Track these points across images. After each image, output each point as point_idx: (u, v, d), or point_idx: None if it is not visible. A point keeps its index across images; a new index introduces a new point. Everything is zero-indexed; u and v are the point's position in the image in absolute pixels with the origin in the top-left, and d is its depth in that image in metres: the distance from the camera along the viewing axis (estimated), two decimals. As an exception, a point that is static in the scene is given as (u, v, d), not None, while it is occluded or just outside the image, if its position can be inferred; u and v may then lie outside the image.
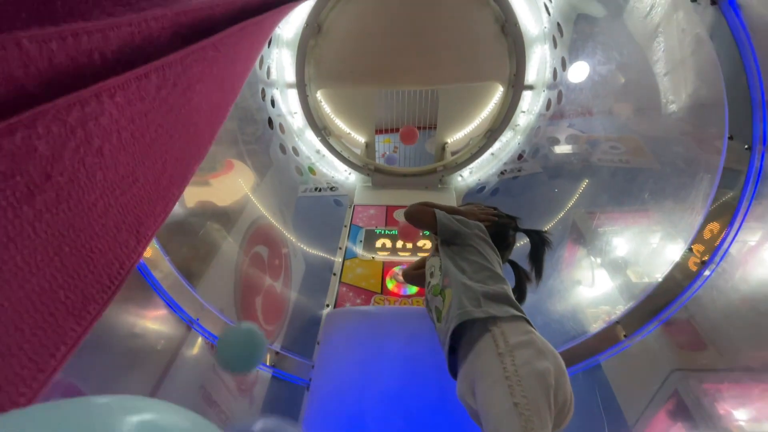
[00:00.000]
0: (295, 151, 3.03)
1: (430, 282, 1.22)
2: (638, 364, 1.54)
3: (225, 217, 2.14)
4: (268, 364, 1.86)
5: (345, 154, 3.21)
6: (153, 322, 1.45)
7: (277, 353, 1.91)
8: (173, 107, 0.37)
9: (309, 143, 3.17)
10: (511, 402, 0.73)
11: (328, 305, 2.00)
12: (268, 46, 2.61)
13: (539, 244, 1.28)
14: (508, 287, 1.07)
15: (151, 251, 1.44)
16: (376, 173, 3.16)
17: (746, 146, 1.10)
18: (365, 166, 3.19)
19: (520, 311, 0.97)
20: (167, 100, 0.36)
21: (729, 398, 1.32)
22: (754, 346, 1.27)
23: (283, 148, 2.90)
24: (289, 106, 3.02)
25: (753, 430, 1.26)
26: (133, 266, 0.38)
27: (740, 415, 1.29)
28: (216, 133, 0.57)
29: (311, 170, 3.12)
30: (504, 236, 1.32)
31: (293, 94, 2.98)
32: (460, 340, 0.96)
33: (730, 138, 1.17)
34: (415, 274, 1.46)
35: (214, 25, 0.47)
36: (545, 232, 1.33)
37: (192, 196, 1.90)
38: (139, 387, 1.34)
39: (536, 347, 0.85)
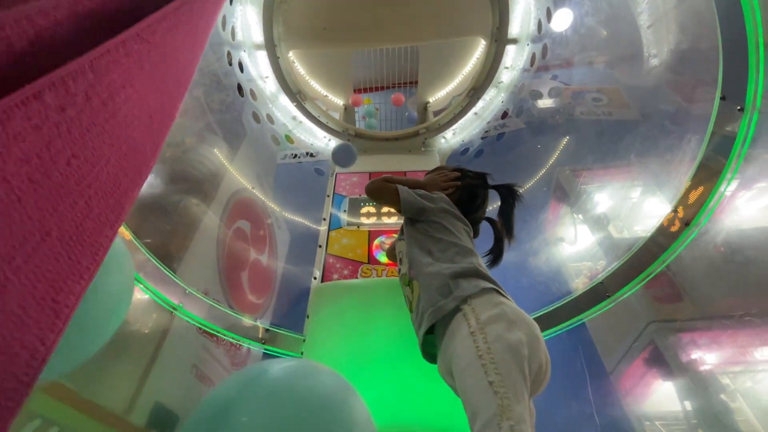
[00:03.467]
0: (270, 118, 2.88)
1: (400, 269, 1.20)
2: (619, 320, 1.60)
3: (201, 192, 2.05)
4: (259, 338, 1.87)
5: (323, 119, 3.07)
6: (135, 308, 1.41)
7: (267, 330, 1.92)
8: (90, 127, 0.30)
9: (284, 109, 3.01)
10: (486, 381, 0.74)
11: (315, 278, 1.99)
12: (231, 3, 2.38)
13: (508, 198, 1.27)
14: (477, 258, 1.06)
15: (127, 240, 1.36)
16: (356, 138, 3.05)
17: (738, 107, 1.08)
18: (345, 131, 3.07)
19: (491, 281, 0.96)
20: (79, 121, 0.28)
21: (701, 345, 1.40)
22: (726, 296, 1.32)
23: (256, 117, 2.74)
24: (259, 69, 2.82)
25: (720, 372, 1.34)
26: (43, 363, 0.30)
27: (710, 359, 1.38)
28: (162, 141, 0.49)
29: (288, 138, 2.99)
30: (473, 197, 1.29)
31: (263, 57, 2.78)
32: (435, 322, 0.96)
33: (723, 98, 1.14)
34: (395, 255, 1.44)
35: (137, 5, 0.37)
36: (514, 185, 1.30)
37: (164, 172, 1.79)
38: (130, 371, 1.33)
39: (507, 318, 0.85)
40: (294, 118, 3.04)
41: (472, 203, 1.27)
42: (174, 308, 1.51)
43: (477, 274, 0.97)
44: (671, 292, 1.49)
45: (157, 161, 1.85)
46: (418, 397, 1.14)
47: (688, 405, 1.39)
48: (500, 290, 0.95)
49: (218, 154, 2.27)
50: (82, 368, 1.15)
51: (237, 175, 2.40)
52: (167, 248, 1.66)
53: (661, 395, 1.48)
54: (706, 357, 1.38)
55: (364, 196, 2.45)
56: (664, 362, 1.46)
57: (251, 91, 2.72)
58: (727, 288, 1.30)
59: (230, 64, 2.48)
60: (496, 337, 0.80)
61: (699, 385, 1.36)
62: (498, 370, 0.75)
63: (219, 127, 2.33)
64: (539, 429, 0.86)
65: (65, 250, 0.29)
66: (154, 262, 1.47)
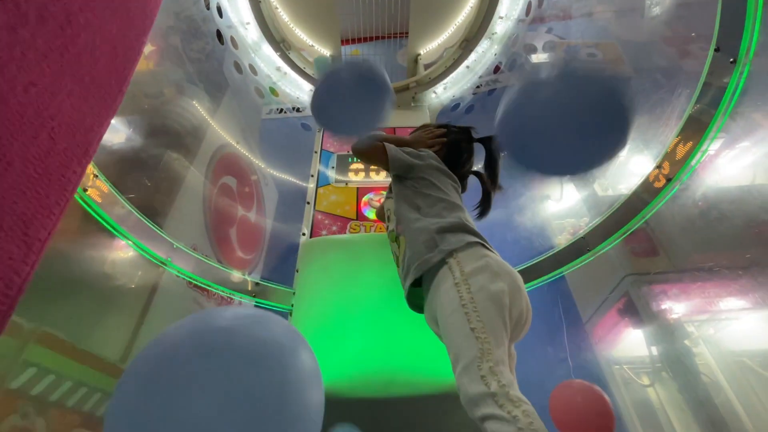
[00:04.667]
0: (253, 69, 2.74)
1: (388, 226, 1.20)
2: (597, 273, 1.67)
3: (183, 146, 1.98)
4: (249, 291, 1.91)
5: (309, 70, 2.93)
6: (123, 263, 1.41)
7: (257, 284, 1.95)
8: (48, 53, 0.27)
9: (267, 59, 2.85)
10: (468, 327, 0.79)
11: (304, 234, 2.00)
12: (205, -64, 2.17)
13: (492, 150, 1.28)
14: (464, 213, 1.08)
15: (105, 192, 1.33)
16: (344, 92, 2.94)
17: (731, 60, 1.06)
18: (332, 84, 2.95)
19: (477, 236, 0.99)
20: (34, 45, 0.25)
21: (671, 296, 1.49)
22: (699, 250, 1.38)
23: (238, 67, 2.60)
24: (239, 14, 2.64)
25: (686, 320, 1.43)
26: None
27: (678, 309, 1.46)
28: (128, 75, 0.45)
29: (273, 91, 2.86)
30: (459, 152, 1.29)
31: (243, 1, 2.59)
32: (421, 275, 0.99)
33: (717, 50, 1.12)
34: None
35: None
36: (496, 136, 1.30)
37: (143, 124, 1.72)
38: (122, 325, 1.35)
39: (491, 270, 0.88)
40: (278, 69, 2.90)
41: (458, 158, 1.27)
42: (163, 263, 1.51)
43: (463, 228, 0.99)
44: (648, 246, 1.54)
45: (135, 113, 1.76)
46: (402, 344, 1.20)
47: (654, 350, 1.50)
48: (485, 244, 0.98)
49: (199, 107, 2.17)
50: (76, 321, 1.17)
51: (220, 130, 2.32)
52: (151, 204, 1.63)
53: (631, 342, 1.59)
54: (675, 307, 1.47)
55: (353, 152, 2.41)
56: (635, 312, 1.55)
57: (232, 38, 2.56)
58: (701, 243, 1.35)
59: (208, 8, 2.31)
60: (479, 287, 0.84)
61: (666, 332, 1.45)
62: (480, 318, 0.79)
63: (199, 78, 2.21)
64: (518, 370, 0.92)
65: (31, 184, 0.28)
66: (139, 216, 1.44)
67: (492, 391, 0.71)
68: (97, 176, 1.28)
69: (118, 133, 1.56)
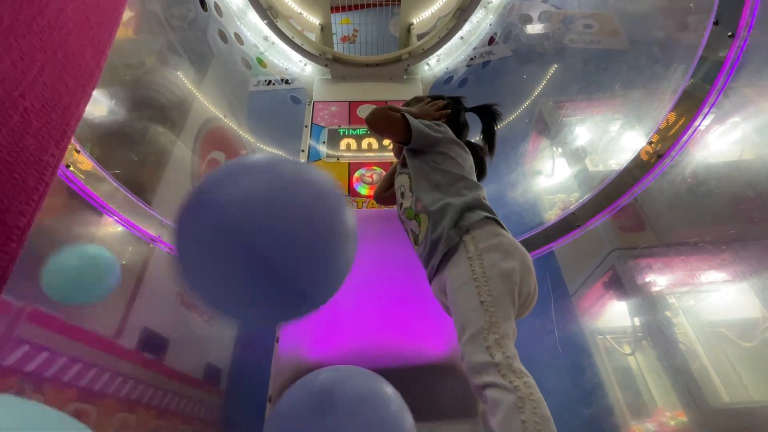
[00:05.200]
0: (239, 38, 2.62)
1: (402, 203, 1.16)
2: (584, 247, 1.71)
3: (169, 120, 1.92)
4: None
5: (297, 40, 2.81)
6: (111, 240, 1.40)
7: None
8: (14, 26, 0.24)
9: (254, 28, 2.73)
10: (477, 300, 0.82)
11: (295, 210, 1.98)
12: None
13: (489, 118, 1.27)
14: (483, 191, 1.07)
15: (89, 169, 1.29)
16: (334, 63, 2.85)
17: (729, 33, 1.04)
18: (322, 55, 2.85)
19: (492, 213, 1.00)
20: None
21: (655, 269, 1.53)
22: (686, 225, 1.41)
23: (223, 36, 2.49)
24: (223, -23, 2.49)
25: (668, 292, 1.48)
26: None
27: (661, 282, 1.51)
28: (105, 48, 0.42)
29: (260, 62, 2.76)
30: (461, 123, 1.28)
31: (226, -38, 2.44)
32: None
33: (715, 23, 1.10)
34: (387, 196, 1.40)
35: None
36: (493, 105, 1.28)
37: (125, 96, 1.65)
38: (114, 301, 1.35)
39: (504, 249, 0.90)
40: (266, 38, 2.77)
41: (462, 129, 1.26)
42: (153, 240, 1.50)
43: (481, 206, 1.00)
44: (635, 221, 1.57)
45: (116, 84, 1.69)
46: (393, 317, 1.22)
47: (636, 321, 1.56)
48: (500, 222, 0.99)
49: (183, 78, 2.09)
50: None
51: (206, 103, 2.25)
52: (138, 180, 1.60)
53: (614, 313, 1.65)
54: (658, 280, 1.51)
55: (344, 127, 2.36)
56: (620, 285, 1.60)
57: (215, 5, 2.43)
58: (688, 218, 1.38)
59: (188, -30, 2.18)
60: (491, 263, 0.87)
61: (648, 304, 1.50)
62: (490, 292, 0.83)
63: (182, 47, 2.11)
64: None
65: (5, 169, 0.27)
66: (126, 193, 1.42)
67: (496, 361, 0.74)
68: (79, 152, 1.24)
69: (99, 106, 1.50)
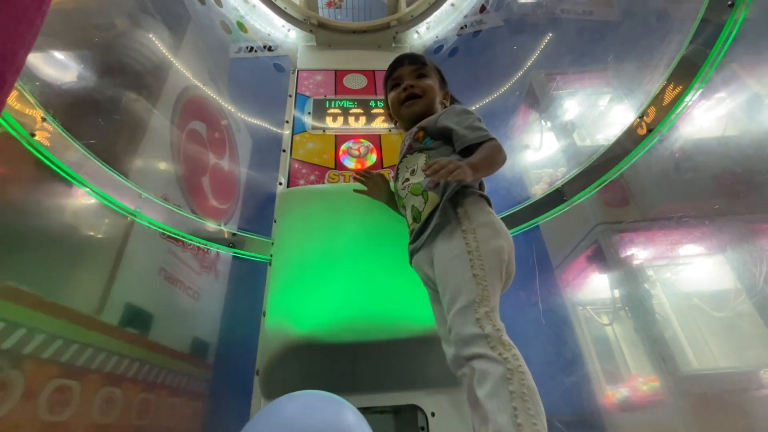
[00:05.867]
0: (217, 0, 2.46)
1: (408, 179, 1.13)
2: (569, 221, 1.73)
3: (144, 87, 1.82)
4: (225, 240, 1.87)
5: (280, 3, 2.66)
6: (86, 213, 1.34)
7: (234, 234, 1.91)
8: None
9: (233, -12, 2.56)
10: (470, 273, 0.84)
11: (281, 183, 1.94)
12: None
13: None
14: None
15: (56, 136, 1.21)
16: (320, 29, 2.71)
17: (729, 3, 1.01)
18: (306, 20, 2.71)
19: (483, 191, 1.03)
20: None
21: (637, 243, 1.56)
22: (670, 201, 1.44)
23: (200, -4, 2.33)
24: (197, -70, 2.30)
25: (648, 266, 1.53)
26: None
27: (642, 255, 1.55)
28: None
29: (241, 26, 2.61)
30: None
31: None
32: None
33: None
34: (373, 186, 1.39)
35: None
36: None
37: (94, 61, 1.54)
38: (94, 278, 1.31)
39: (494, 228, 0.94)
40: (246, 0, 2.62)
41: None
42: (132, 213, 1.44)
43: (480, 185, 1.04)
44: (621, 196, 1.59)
45: (84, 47, 1.58)
46: (381, 290, 1.23)
47: (616, 293, 1.61)
48: (489, 201, 1.02)
49: (158, 43, 1.96)
50: (41, 274, 1.12)
51: (184, 70, 2.13)
52: (113, 150, 1.52)
53: (596, 286, 1.69)
54: (640, 253, 1.55)
55: (330, 97, 2.28)
56: (603, 258, 1.63)
57: (190, -39, 2.26)
58: (672, 194, 1.40)
59: None
60: (484, 239, 0.89)
61: (629, 276, 1.55)
62: (483, 267, 0.85)
63: (155, 8, 1.97)
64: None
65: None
66: (97, 162, 1.34)
67: (486, 333, 0.76)
68: (45, 119, 1.16)
69: (67, 71, 1.40)
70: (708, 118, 1.22)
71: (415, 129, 1.18)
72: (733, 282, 1.23)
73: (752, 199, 1.11)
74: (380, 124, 2.13)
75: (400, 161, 1.22)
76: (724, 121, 1.18)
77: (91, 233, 1.34)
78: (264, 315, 1.48)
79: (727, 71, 1.15)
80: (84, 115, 1.43)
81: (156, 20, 1.98)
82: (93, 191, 1.30)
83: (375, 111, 2.20)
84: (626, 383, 1.50)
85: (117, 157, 1.49)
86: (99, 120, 1.49)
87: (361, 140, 2.04)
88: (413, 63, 1.30)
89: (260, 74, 2.73)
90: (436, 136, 1.12)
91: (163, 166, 1.83)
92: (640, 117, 1.41)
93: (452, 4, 2.75)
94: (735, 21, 1.01)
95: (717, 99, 1.21)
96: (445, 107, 1.29)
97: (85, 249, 1.30)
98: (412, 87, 1.25)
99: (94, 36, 1.62)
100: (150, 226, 1.53)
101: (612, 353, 1.58)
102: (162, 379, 1.46)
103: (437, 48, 2.81)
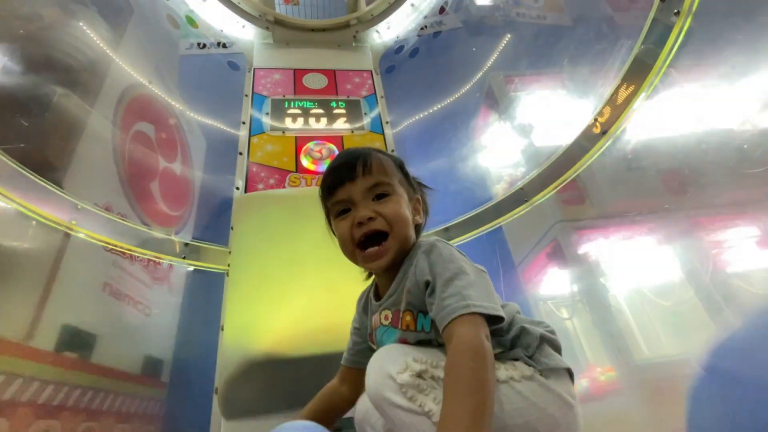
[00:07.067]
0: (163, -10, 2.30)
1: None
2: (530, 220, 1.77)
3: (79, 85, 1.65)
4: (176, 252, 1.75)
5: (233, -3, 2.54)
6: (10, 226, 1.19)
7: (187, 244, 1.79)
8: None
9: (181, -20, 2.40)
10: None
11: (237, 188, 1.84)
12: None
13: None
14: None
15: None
16: (277, 26, 2.61)
17: (676, 11, 1.06)
18: (262, 16, 2.60)
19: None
20: None
21: (593, 239, 1.63)
22: (622, 198, 1.51)
23: (143, -14, 2.16)
24: None
25: (603, 261, 1.59)
26: None
27: (598, 251, 1.61)
28: None
29: (191, 21, 2.45)
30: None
31: None
32: None
33: (662, 0, 1.12)
34: None
35: None
36: None
37: (17, 55, 1.38)
38: (22, 300, 1.17)
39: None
40: (195, -7, 2.47)
41: None
42: (67, 227, 1.30)
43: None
44: (577, 195, 1.65)
45: (4, 39, 1.40)
46: (346, 299, 1.19)
47: (575, 287, 1.67)
48: None
49: (94, 36, 1.79)
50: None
51: (127, 66, 1.96)
52: (43, 156, 1.36)
53: (555, 281, 1.75)
54: (596, 249, 1.62)
55: (289, 96, 2.20)
56: (562, 255, 1.69)
57: (130, -52, 2.09)
58: (625, 192, 1.47)
59: None
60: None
61: (586, 271, 1.61)
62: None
63: (90, -2, 1.80)
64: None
65: None
66: (18, 168, 1.20)
67: None
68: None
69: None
70: (654, 120, 1.28)
71: (399, 309, 0.78)
72: (677, 272, 1.30)
73: (693, 195, 1.18)
74: (342, 125, 2.09)
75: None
76: (672, 123, 1.25)
77: (17, 250, 1.19)
78: (222, 329, 1.39)
79: (667, 75, 1.22)
80: (4, 115, 1.27)
81: (91, 11, 1.81)
82: (15, 202, 1.15)
83: (336, 111, 2.14)
84: (585, 374, 1.55)
85: (48, 164, 1.34)
86: (23, 121, 1.33)
87: (329, 144, 1.97)
88: (367, 173, 0.80)
89: (214, 72, 2.59)
90: (425, 307, 0.71)
91: (104, 171, 1.67)
92: (595, 118, 1.46)
93: (412, 5, 2.75)
94: (676, 31, 1.07)
95: (667, 99, 1.28)
96: (418, 229, 0.87)
97: (10, 269, 1.16)
98: (371, 220, 0.77)
99: (17, 27, 1.45)
100: (89, 239, 1.39)
101: (572, 345, 1.63)
102: (109, 405, 1.34)
103: (398, 48, 2.80)
